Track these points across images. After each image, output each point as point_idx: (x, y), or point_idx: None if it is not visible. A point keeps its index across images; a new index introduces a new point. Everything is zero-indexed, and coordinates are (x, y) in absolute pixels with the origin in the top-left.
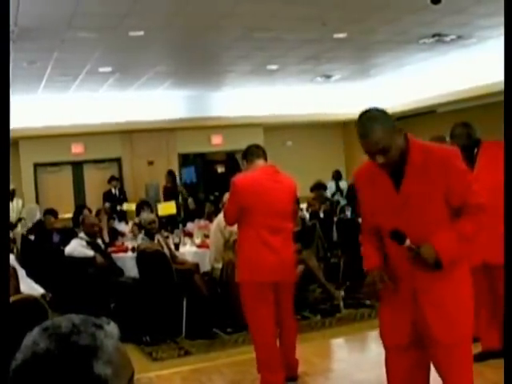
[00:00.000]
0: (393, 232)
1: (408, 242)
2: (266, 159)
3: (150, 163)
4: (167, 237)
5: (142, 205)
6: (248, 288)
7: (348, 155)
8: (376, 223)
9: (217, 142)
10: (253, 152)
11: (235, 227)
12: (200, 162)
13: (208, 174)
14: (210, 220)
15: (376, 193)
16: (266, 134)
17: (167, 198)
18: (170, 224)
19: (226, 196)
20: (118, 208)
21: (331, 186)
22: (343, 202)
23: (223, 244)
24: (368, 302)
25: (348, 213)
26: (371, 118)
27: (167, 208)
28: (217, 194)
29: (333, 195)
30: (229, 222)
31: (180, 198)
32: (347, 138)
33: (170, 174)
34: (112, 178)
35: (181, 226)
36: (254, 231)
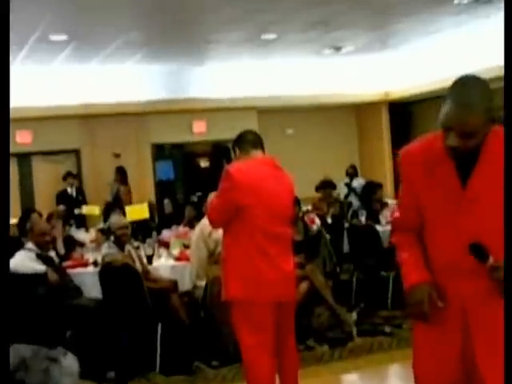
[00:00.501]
0: (473, 245)
1: (492, 259)
2: (263, 150)
3: (117, 156)
4: (138, 247)
5: (113, 207)
6: (241, 309)
7: (363, 146)
8: (418, 222)
9: (199, 129)
10: (249, 140)
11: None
12: (179, 154)
13: (189, 170)
14: (191, 226)
15: (433, 183)
16: (260, 119)
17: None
18: (141, 231)
19: (212, 196)
20: (76, 212)
21: (343, 186)
22: (356, 203)
23: (207, 256)
24: (388, 330)
25: (362, 218)
26: (479, 89)
27: (137, 212)
28: (199, 194)
29: (346, 197)
30: (215, 223)
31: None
32: (362, 125)
33: (120, 171)
34: (68, 175)
35: (155, 233)
36: (248, 237)
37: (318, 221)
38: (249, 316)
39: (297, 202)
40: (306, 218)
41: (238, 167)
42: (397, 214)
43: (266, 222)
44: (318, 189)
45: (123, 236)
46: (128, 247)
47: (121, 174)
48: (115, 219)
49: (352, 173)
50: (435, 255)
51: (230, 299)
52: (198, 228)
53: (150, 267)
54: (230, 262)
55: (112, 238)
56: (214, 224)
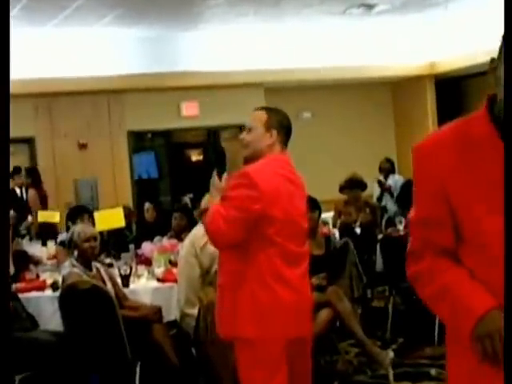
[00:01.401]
0: None
1: None
2: None
3: (83, 146)
4: (110, 265)
5: (79, 212)
6: (253, 350)
7: (401, 133)
8: (451, 237)
9: (190, 112)
10: (289, 129)
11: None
12: (163, 145)
13: (176, 165)
14: (180, 238)
15: (474, 177)
16: (269, 100)
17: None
18: (114, 244)
19: (206, 199)
20: (30, 219)
21: (376, 185)
22: (392, 208)
23: (200, 276)
24: (434, 373)
25: (401, 226)
26: None
27: (110, 219)
28: (190, 196)
29: (379, 199)
30: (228, 241)
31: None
32: (400, 106)
33: (31, 173)
34: (17, 171)
35: (132, 247)
36: (266, 258)
37: (335, 233)
38: (264, 358)
39: (316, 205)
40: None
41: (260, 171)
42: (413, 239)
43: (287, 240)
44: (342, 189)
45: (90, 250)
46: (97, 265)
47: (32, 176)
48: (80, 228)
49: (387, 168)
50: (485, 277)
51: (237, 337)
52: (188, 240)
53: (125, 290)
54: (239, 290)
55: (76, 253)
56: (227, 242)
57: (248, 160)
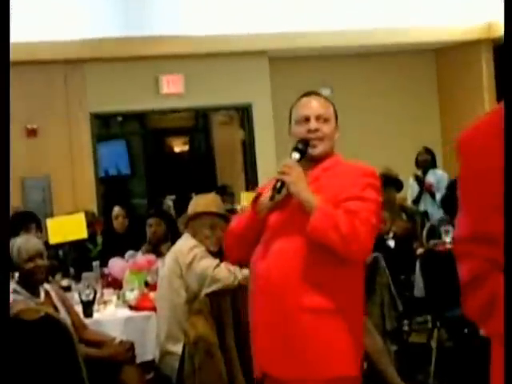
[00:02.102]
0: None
1: None
2: None
3: (31, 133)
4: (67, 288)
5: (24, 220)
6: None
7: (448, 115)
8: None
9: (173, 89)
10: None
11: (218, 269)
12: (137, 132)
13: (154, 158)
14: (158, 252)
15: None
16: (275, 72)
17: None
18: (74, 261)
19: (245, 197)
20: None
21: (413, 183)
22: (436, 213)
23: (185, 302)
24: None
25: (447, 238)
26: None
27: (67, 228)
28: (172, 198)
29: (416, 201)
30: (367, 250)
31: None
32: (446, 79)
33: None
34: None
35: (96, 264)
36: (359, 279)
37: None
38: None
39: None
40: None
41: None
42: (469, 262)
43: None
44: None
45: (36, 271)
46: (46, 287)
47: None
48: (21, 243)
49: (426, 161)
50: None
51: (337, 377)
52: (170, 256)
53: (88, 321)
54: (349, 315)
55: (16, 275)
56: (365, 252)
57: (316, 158)
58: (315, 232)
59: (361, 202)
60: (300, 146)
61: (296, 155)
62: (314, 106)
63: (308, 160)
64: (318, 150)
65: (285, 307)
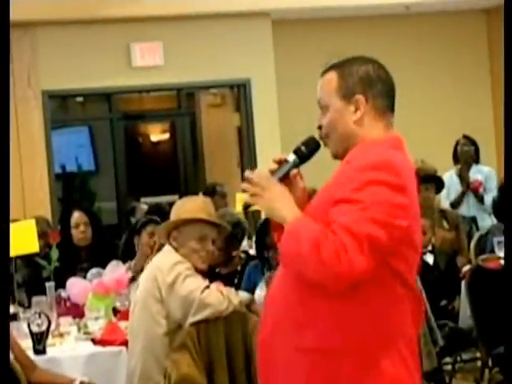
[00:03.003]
0: None
1: None
2: None
3: None
4: (13, 316)
5: None
6: None
7: (499, 95)
8: None
9: (148, 61)
10: (389, 86)
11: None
12: (104, 115)
13: (126, 149)
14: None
15: None
16: (279, 39)
17: None
18: (23, 283)
19: (203, 204)
20: None
21: (452, 176)
22: (484, 219)
23: (166, 334)
24: None
25: (501, 252)
26: None
27: (14, 239)
28: (147, 200)
29: (456, 204)
30: (356, 274)
31: None
32: (498, 50)
33: None
34: None
35: (51, 286)
36: (397, 311)
37: None
38: None
39: None
40: None
41: (403, 163)
42: None
43: (413, 282)
44: None
45: None
46: None
47: None
48: None
49: (468, 154)
50: None
51: None
52: (146, 274)
53: (38, 359)
54: (376, 356)
55: None
56: (354, 277)
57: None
58: (284, 258)
59: (351, 205)
60: (303, 149)
61: (291, 157)
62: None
63: None
64: (330, 149)
65: (281, 346)
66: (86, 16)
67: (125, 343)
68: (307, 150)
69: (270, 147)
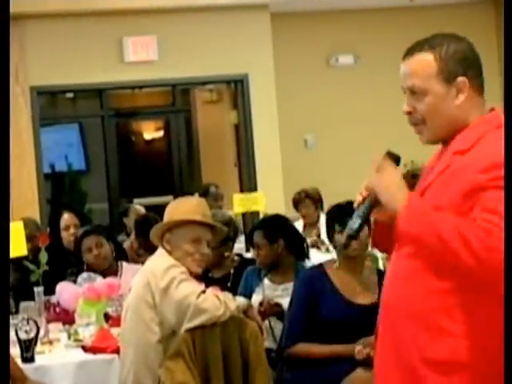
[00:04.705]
0: None
1: None
2: None
3: None
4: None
5: None
6: None
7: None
8: None
9: (142, 56)
10: (480, 65)
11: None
12: (95, 113)
13: (118, 148)
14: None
15: None
16: (278, 33)
17: None
18: (12, 287)
19: (197, 206)
20: None
21: None
22: None
23: (159, 341)
24: None
25: None
26: None
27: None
28: (139, 202)
29: None
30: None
31: None
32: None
33: None
34: None
35: (40, 291)
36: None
37: None
38: None
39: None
40: None
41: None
42: None
43: None
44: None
45: None
46: None
47: None
48: None
49: None
50: None
51: None
52: (139, 279)
53: (26, 368)
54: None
55: None
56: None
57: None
58: (403, 239)
59: (492, 200)
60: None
61: None
62: (404, 72)
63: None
64: (424, 137)
65: (404, 359)
66: (77, 9)
67: (117, 351)
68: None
69: (269, 146)
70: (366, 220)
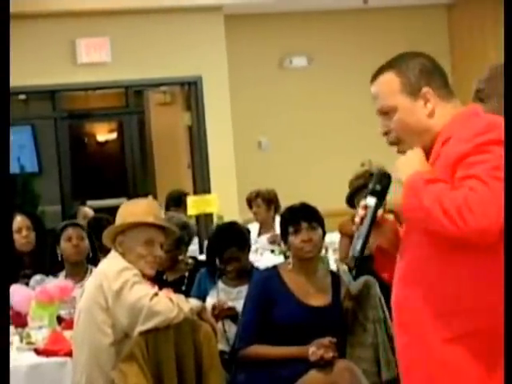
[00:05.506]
0: None
1: None
2: None
3: None
4: None
5: None
6: None
7: (461, 92)
8: None
9: (95, 57)
10: (440, 72)
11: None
12: (47, 114)
13: (71, 150)
14: (77, 277)
15: None
16: (233, 34)
17: None
18: None
19: (149, 207)
20: None
21: None
22: None
23: (111, 344)
24: None
25: None
26: None
27: None
28: (92, 204)
29: None
30: (495, 228)
31: None
32: (460, 47)
33: None
34: None
35: None
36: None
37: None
38: None
39: (318, 220)
40: None
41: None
42: None
43: None
44: (355, 192)
45: None
46: None
47: None
48: None
49: None
50: None
51: None
52: (91, 281)
53: None
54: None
55: None
56: (495, 231)
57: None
58: (408, 212)
59: (476, 166)
60: (378, 188)
61: (371, 201)
62: (372, 95)
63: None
64: (406, 151)
65: (423, 342)
66: (30, 10)
67: (70, 353)
68: (381, 186)
69: (223, 148)
70: (367, 239)
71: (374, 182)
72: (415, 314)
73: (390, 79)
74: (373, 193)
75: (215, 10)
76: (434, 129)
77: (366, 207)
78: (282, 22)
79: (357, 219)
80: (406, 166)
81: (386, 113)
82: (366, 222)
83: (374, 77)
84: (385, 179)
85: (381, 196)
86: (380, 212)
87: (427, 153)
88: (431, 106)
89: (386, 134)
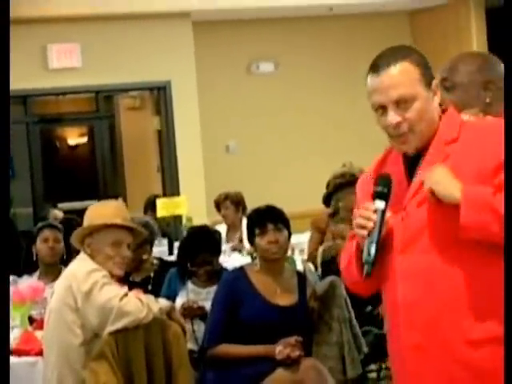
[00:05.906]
0: None
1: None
2: None
3: None
4: None
5: None
6: None
7: None
8: None
9: (65, 62)
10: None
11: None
12: (19, 119)
13: (42, 154)
14: (50, 277)
15: None
16: (201, 40)
17: None
18: None
19: (116, 209)
20: None
21: None
22: None
23: (81, 344)
24: None
25: None
26: None
27: None
28: (63, 207)
29: None
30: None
31: None
32: (426, 48)
33: None
34: None
35: None
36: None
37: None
38: None
39: (283, 222)
40: None
41: None
42: None
43: None
44: (331, 195)
45: None
46: None
47: None
48: None
49: None
50: None
51: None
52: (61, 282)
53: None
54: None
55: None
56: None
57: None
58: (468, 232)
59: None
60: (380, 189)
61: (380, 204)
62: (385, 85)
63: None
64: (410, 145)
65: (445, 345)
66: None
67: (41, 353)
68: (387, 188)
69: (191, 151)
70: (378, 243)
71: (381, 185)
72: (433, 313)
73: (409, 69)
74: (381, 196)
75: (183, 17)
76: (436, 122)
77: (375, 211)
78: (249, 28)
79: (370, 224)
80: (447, 179)
81: (405, 101)
82: (377, 225)
83: (386, 65)
84: (388, 181)
85: (388, 199)
86: (388, 215)
87: (424, 146)
88: (438, 99)
89: (397, 124)
